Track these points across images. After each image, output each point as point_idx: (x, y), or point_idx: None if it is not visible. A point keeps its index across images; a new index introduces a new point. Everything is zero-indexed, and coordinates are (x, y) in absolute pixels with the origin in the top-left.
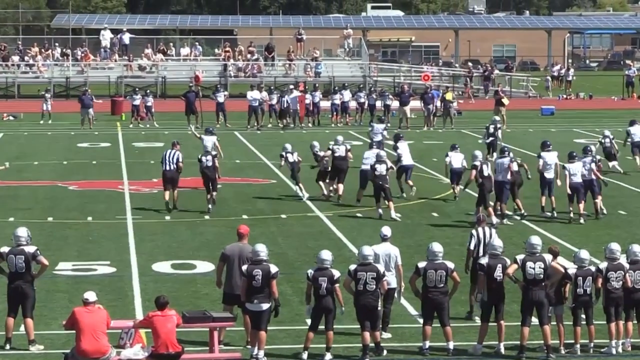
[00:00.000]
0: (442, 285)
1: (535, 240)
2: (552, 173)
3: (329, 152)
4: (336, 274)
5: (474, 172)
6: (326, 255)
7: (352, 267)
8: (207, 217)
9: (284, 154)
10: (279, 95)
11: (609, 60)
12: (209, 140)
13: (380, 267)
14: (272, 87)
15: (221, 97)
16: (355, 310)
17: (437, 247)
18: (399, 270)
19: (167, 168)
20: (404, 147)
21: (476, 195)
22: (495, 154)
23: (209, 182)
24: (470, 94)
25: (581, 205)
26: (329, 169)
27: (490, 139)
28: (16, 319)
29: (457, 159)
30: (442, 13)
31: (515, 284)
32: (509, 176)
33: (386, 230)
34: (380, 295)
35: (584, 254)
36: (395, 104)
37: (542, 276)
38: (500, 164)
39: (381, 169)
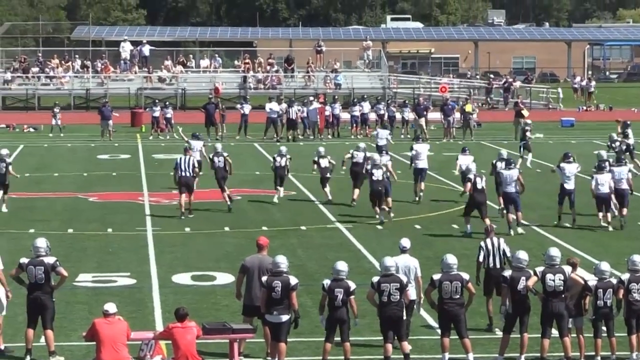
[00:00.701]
0: (458, 296)
1: (554, 252)
2: (572, 184)
3: (348, 156)
4: (352, 285)
5: (468, 184)
6: (342, 266)
7: (375, 279)
8: (226, 228)
9: (316, 158)
10: (287, 106)
11: (629, 72)
12: (197, 145)
13: (403, 278)
14: (292, 99)
15: (247, 109)
16: (380, 321)
17: (451, 258)
18: (418, 282)
19: (183, 174)
20: (421, 149)
21: (496, 206)
22: (530, 155)
23: (221, 181)
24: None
25: (609, 215)
26: (328, 175)
27: (522, 142)
28: (36, 331)
29: (465, 161)
30: (462, 25)
31: (535, 296)
32: (518, 187)
33: (405, 242)
34: (404, 305)
35: (605, 265)
36: (412, 115)
37: (562, 288)
38: (509, 176)
39: (378, 174)
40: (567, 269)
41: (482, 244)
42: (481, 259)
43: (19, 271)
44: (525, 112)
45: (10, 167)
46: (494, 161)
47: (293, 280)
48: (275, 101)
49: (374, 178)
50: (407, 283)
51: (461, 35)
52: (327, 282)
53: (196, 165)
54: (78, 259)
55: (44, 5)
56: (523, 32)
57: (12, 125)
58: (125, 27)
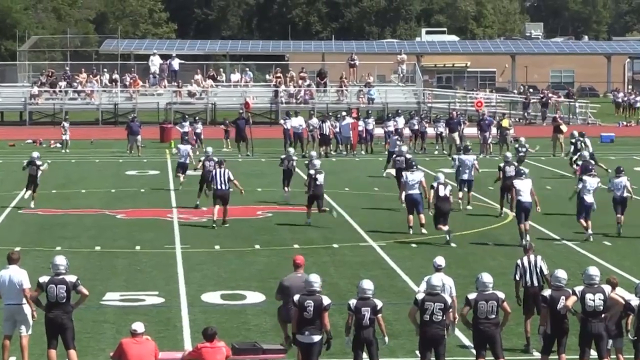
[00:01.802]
0: (494, 316)
1: (594, 270)
2: (591, 197)
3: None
4: (379, 303)
5: (432, 192)
6: (368, 284)
7: (420, 296)
8: (257, 246)
9: (312, 172)
10: (320, 121)
11: None
12: (184, 150)
13: (448, 298)
14: (326, 114)
15: (288, 124)
16: (420, 341)
17: (487, 277)
18: (453, 302)
19: (220, 187)
20: (463, 160)
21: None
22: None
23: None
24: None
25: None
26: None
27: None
28: (59, 351)
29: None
30: (499, 38)
31: (574, 316)
32: (530, 198)
33: (440, 260)
34: (445, 326)
35: None
36: (445, 130)
37: (601, 308)
38: (524, 185)
39: (321, 178)
40: (607, 288)
41: (519, 262)
42: (517, 277)
43: (39, 291)
44: (563, 128)
45: (41, 168)
46: (501, 165)
47: (326, 300)
48: (295, 116)
49: (318, 183)
50: (451, 304)
51: (498, 49)
52: (353, 301)
53: (232, 177)
54: (106, 277)
55: (72, 19)
56: (561, 45)
57: (39, 140)
58: (154, 40)
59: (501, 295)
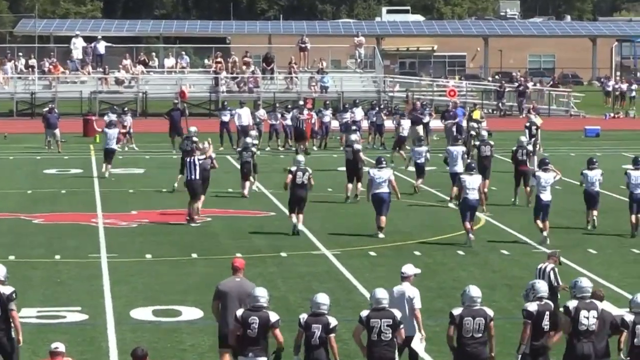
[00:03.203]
0: (480, 335)
1: (586, 282)
2: (548, 195)
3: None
4: (332, 321)
5: (289, 177)
6: (323, 298)
7: (364, 313)
8: (194, 255)
9: (294, 168)
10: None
11: None
12: (111, 134)
13: (397, 313)
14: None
15: (226, 116)
16: None
17: (475, 291)
18: (416, 316)
19: (192, 177)
20: (452, 152)
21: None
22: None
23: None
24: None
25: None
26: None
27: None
28: None
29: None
30: (469, 18)
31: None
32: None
33: (407, 268)
34: (397, 346)
35: None
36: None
37: (594, 327)
38: (544, 180)
39: (304, 177)
40: (599, 304)
41: (537, 267)
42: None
43: None
44: (537, 121)
45: None
46: (514, 148)
47: (273, 317)
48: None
49: (298, 182)
50: (401, 320)
51: (468, 30)
52: (304, 316)
53: (207, 166)
54: (21, 291)
55: None
56: (541, 26)
57: None
58: (77, 20)
59: (490, 312)
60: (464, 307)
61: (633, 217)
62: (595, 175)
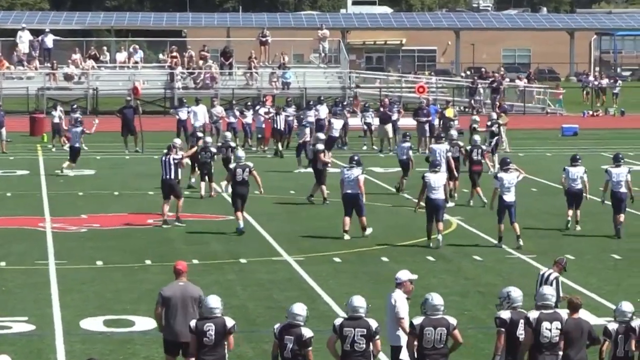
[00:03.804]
0: (442, 346)
1: (547, 290)
2: (512, 196)
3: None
4: (307, 333)
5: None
6: (299, 309)
7: (338, 321)
8: (148, 261)
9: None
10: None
11: None
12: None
13: (373, 323)
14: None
15: (184, 114)
16: None
17: (437, 299)
18: (401, 324)
19: (167, 176)
20: (434, 150)
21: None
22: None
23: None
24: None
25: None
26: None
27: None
28: None
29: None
30: (440, 10)
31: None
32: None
33: (402, 274)
34: (371, 356)
35: (627, 306)
36: (376, 121)
37: (557, 339)
38: (575, 173)
39: (244, 174)
40: (564, 314)
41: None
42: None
43: None
44: (501, 120)
45: None
46: (468, 148)
47: (230, 322)
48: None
49: (238, 179)
50: (378, 329)
51: (439, 23)
52: (278, 326)
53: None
54: None
55: None
56: (515, 19)
57: None
58: (23, 12)
59: (452, 321)
60: (425, 316)
61: (622, 217)
62: (577, 171)
